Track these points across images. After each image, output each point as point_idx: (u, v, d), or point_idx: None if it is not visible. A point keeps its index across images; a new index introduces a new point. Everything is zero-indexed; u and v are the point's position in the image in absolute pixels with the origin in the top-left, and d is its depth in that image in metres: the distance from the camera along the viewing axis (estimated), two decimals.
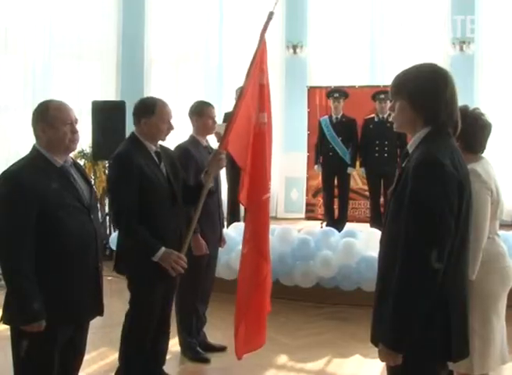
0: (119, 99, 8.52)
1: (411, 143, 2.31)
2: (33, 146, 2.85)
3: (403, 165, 2.30)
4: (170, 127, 3.65)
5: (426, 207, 2.10)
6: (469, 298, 2.31)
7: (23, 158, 2.85)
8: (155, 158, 3.63)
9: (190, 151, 4.34)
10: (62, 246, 2.75)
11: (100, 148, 7.64)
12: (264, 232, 3.96)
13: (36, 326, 2.66)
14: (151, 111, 3.59)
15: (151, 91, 9.42)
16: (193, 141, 4.47)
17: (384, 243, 2.35)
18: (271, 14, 3.84)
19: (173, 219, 3.63)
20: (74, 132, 2.84)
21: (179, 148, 4.42)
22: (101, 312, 3.02)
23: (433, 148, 2.18)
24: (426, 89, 2.25)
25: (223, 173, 6.20)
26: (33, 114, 2.84)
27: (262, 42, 3.86)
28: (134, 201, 3.46)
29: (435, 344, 2.18)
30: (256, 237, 3.88)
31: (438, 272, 2.10)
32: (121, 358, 3.74)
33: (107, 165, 8.06)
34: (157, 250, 3.43)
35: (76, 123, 2.86)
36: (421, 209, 2.11)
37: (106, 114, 7.63)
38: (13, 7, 8.47)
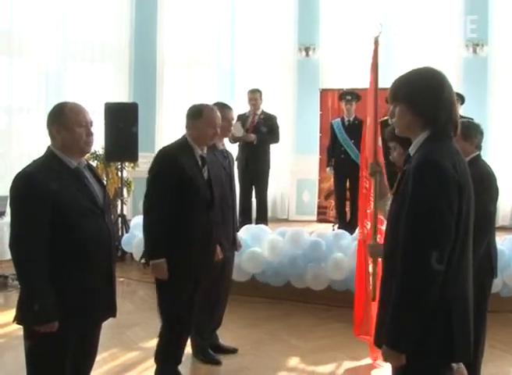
0: (131, 101, 8.55)
1: (412, 146, 2.34)
2: (48, 147, 2.86)
3: (405, 167, 2.33)
4: (216, 133, 3.85)
5: (425, 208, 2.12)
6: (472, 299, 2.31)
7: (37, 160, 2.86)
8: (199, 162, 3.79)
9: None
10: (77, 247, 2.74)
11: (112, 150, 7.68)
12: None
13: (49, 326, 2.66)
14: (199, 115, 3.80)
15: (164, 93, 9.43)
16: (209, 145, 4.46)
17: (386, 245, 2.37)
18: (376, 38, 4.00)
19: (207, 222, 3.77)
20: (89, 134, 2.84)
21: None
22: (113, 314, 3.03)
23: (433, 149, 2.21)
24: (423, 93, 2.27)
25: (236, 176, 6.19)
26: (49, 115, 2.85)
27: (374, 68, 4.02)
28: (168, 196, 3.62)
29: (437, 345, 2.19)
30: None
31: (437, 273, 2.11)
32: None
33: (119, 166, 8.11)
34: (159, 257, 3.64)
35: (91, 125, 2.86)
36: (420, 210, 2.13)
37: (119, 116, 7.67)
38: (26, 10, 8.52)
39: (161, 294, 3.85)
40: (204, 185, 3.78)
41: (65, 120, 2.79)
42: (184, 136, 3.88)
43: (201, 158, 3.83)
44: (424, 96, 2.27)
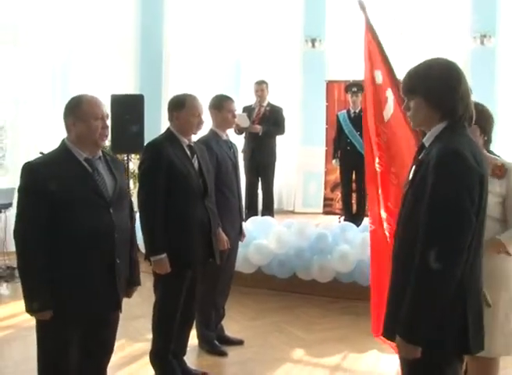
0: (137, 93, 8.53)
1: (428, 136, 2.29)
2: (62, 140, 2.88)
3: (420, 158, 2.28)
4: (200, 121, 3.82)
5: (448, 202, 2.07)
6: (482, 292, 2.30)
7: (49, 152, 2.89)
8: (187, 152, 3.79)
9: (210, 145, 4.34)
10: (73, 239, 2.72)
11: (118, 142, 7.66)
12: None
13: (42, 315, 2.69)
14: (182, 105, 3.78)
15: (170, 84, 9.42)
16: (213, 135, 4.48)
17: (400, 237, 2.32)
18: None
19: (202, 211, 3.78)
20: (104, 127, 2.85)
21: (200, 142, 4.44)
22: (118, 308, 2.98)
23: (453, 141, 2.16)
24: (441, 85, 2.23)
25: (241, 166, 6.19)
26: (66, 108, 2.86)
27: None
28: (161, 190, 3.62)
29: (452, 337, 2.18)
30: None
31: (457, 267, 2.08)
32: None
33: (125, 158, 8.11)
34: (160, 253, 3.66)
35: (107, 118, 2.87)
36: (442, 204, 2.08)
37: (125, 107, 7.65)
38: (33, 1, 8.51)
39: (158, 284, 3.85)
40: (195, 175, 3.76)
41: (81, 113, 2.80)
42: (168, 128, 3.85)
43: (189, 147, 3.81)
44: (443, 88, 2.23)
